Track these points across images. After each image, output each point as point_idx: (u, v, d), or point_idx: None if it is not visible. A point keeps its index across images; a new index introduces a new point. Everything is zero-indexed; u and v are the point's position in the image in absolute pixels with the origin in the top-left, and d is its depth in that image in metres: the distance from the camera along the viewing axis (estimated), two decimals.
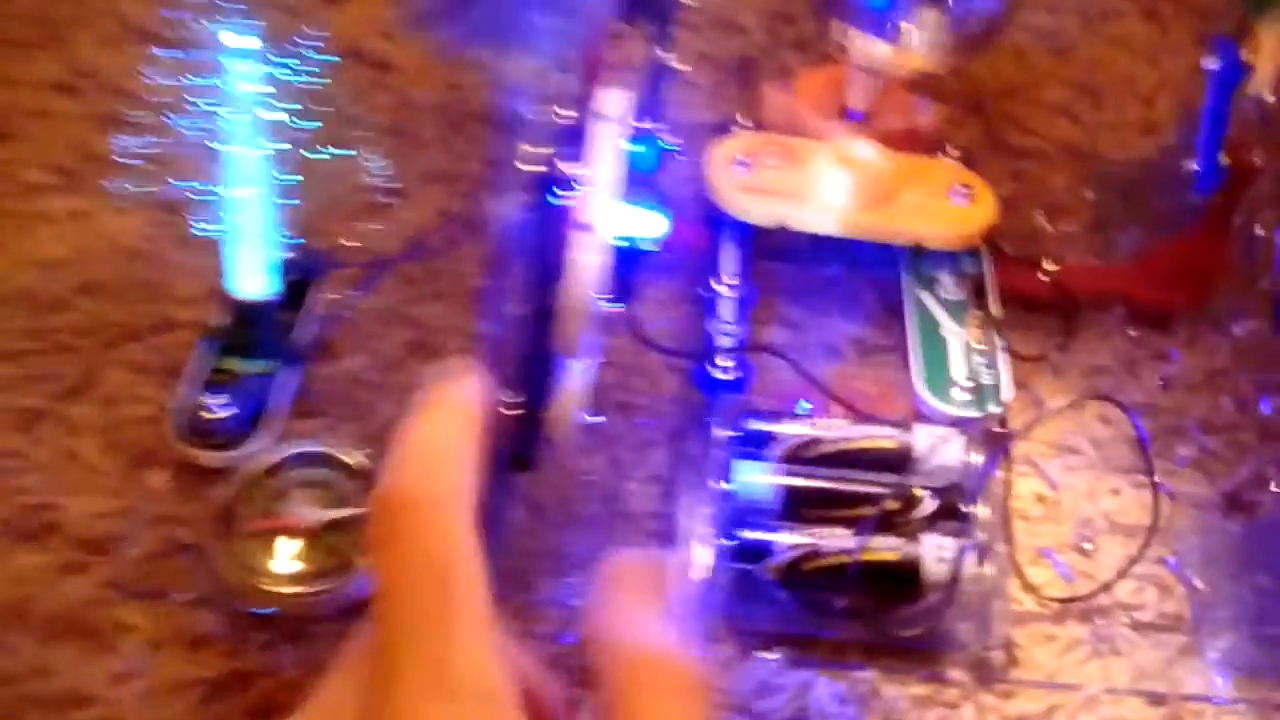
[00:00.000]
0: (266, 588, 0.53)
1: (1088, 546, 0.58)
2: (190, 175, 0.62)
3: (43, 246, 0.66)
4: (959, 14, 0.61)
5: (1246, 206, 0.64)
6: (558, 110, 0.50)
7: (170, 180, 0.64)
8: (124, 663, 0.52)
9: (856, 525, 0.53)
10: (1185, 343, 0.65)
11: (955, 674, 0.53)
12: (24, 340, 0.62)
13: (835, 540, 0.53)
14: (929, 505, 0.54)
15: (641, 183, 0.53)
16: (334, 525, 0.54)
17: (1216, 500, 0.59)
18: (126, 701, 0.51)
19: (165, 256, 0.65)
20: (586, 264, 0.45)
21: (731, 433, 0.56)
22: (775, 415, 0.57)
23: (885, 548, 0.53)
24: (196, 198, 0.58)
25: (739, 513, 0.54)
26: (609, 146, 0.48)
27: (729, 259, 0.64)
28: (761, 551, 0.53)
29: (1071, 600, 0.56)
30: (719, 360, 0.60)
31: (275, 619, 0.54)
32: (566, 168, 0.43)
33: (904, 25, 0.61)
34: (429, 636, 0.31)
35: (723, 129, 0.68)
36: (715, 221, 0.65)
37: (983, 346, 0.62)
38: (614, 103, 0.50)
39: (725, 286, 0.63)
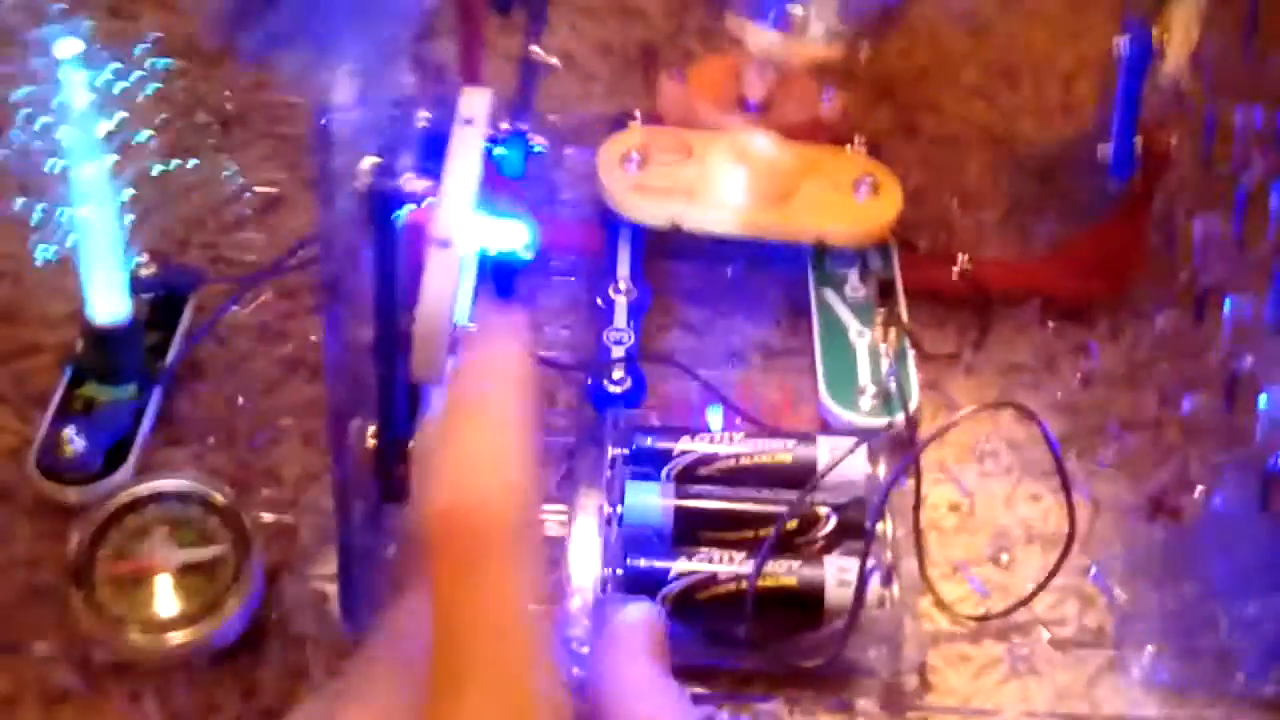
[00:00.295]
0: (126, 636, 0.49)
1: (1005, 558, 0.55)
2: (40, 192, 0.58)
3: None
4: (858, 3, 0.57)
5: (1164, 193, 0.62)
6: (420, 115, 0.47)
7: (22, 197, 0.60)
8: None
9: (754, 549, 0.50)
10: (1106, 335, 0.63)
11: (864, 703, 0.50)
12: None
13: (730, 566, 0.49)
14: (830, 523, 0.51)
15: (508, 188, 0.49)
16: (196, 566, 0.51)
17: (1140, 505, 0.57)
18: None
19: (27, 277, 0.61)
20: (441, 284, 0.42)
21: (622, 450, 0.53)
22: (671, 431, 0.54)
23: (784, 572, 0.49)
24: (47, 215, 0.54)
25: (631, 539, 0.51)
26: (467, 152, 0.45)
27: (624, 263, 0.61)
28: (655, 580, 0.49)
29: (986, 618, 0.53)
30: (612, 373, 0.56)
31: (137, 669, 0.50)
32: (411, 181, 0.39)
33: (798, 13, 0.58)
34: (504, 658, 0.31)
35: (619, 124, 0.64)
36: (609, 223, 0.62)
37: (890, 349, 0.59)
38: (473, 104, 0.46)
39: (619, 292, 0.59)
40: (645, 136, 0.62)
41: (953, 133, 0.72)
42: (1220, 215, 0.60)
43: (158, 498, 0.52)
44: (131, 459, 0.55)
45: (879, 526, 0.51)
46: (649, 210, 0.60)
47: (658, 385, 0.58)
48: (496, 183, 0.48)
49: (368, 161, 0.39)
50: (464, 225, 0.43)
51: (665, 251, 0.63)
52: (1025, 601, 0.53)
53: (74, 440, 0.53)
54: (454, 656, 0.32)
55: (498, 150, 0.49)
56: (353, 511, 0.45)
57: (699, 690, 0.50)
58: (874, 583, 0.49)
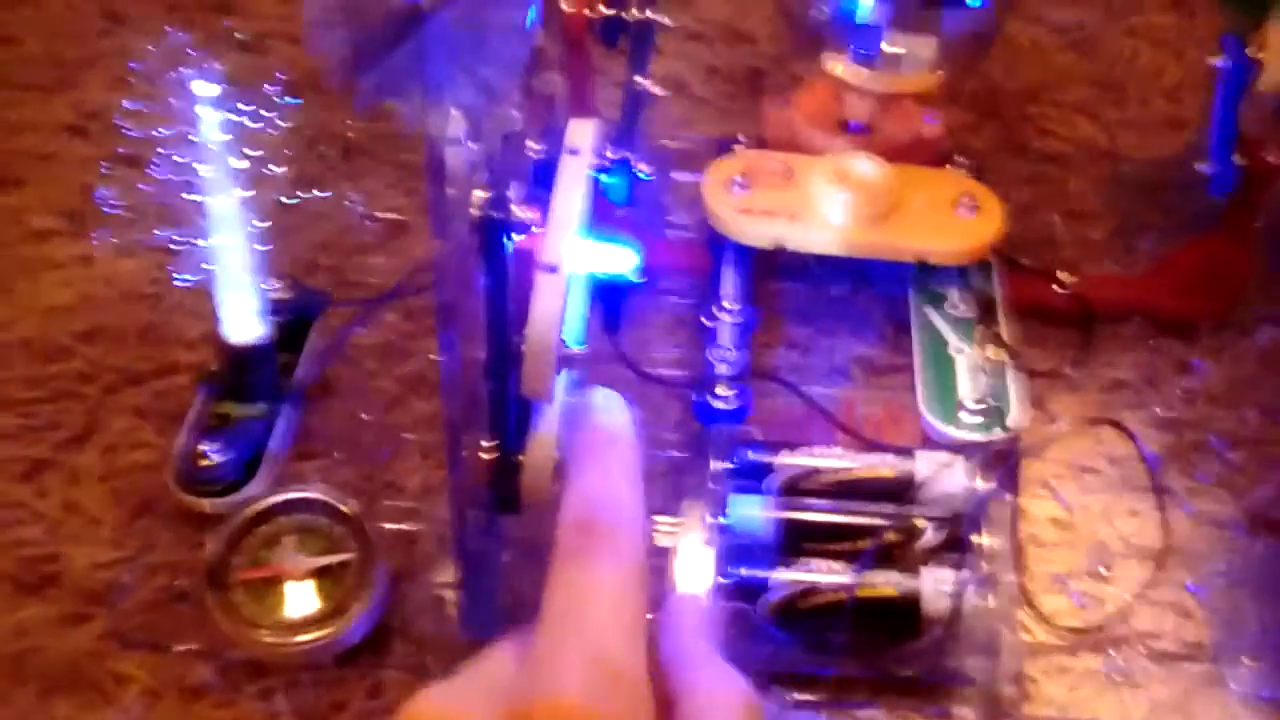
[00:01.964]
0: (258, 637, 0.52)
1: (1104, 572, 0.56)
2: (181, 221, 0.62)
3: (48, 293, 0.66)
4: (946, 31, 0.59)
5: (1269, 209, 0.62)
6: (530, 146, 0.49)
7: (165, 227, 0.64)
8: (123, 715, 0.52)
9: (855, 560, 0.51)
10: (1209, 352, 0.63)
11: (963, 711, 0.51)
12: (27, 389, 0.62)
13: (832, 576, 0.51)
14: (931, 536, 0.52)
15: (613, 214, 0.52)
16: (324, 571, 0.54)
17: (1241, 520, 0.57)
18: None
19: (168, 300, 0.65)
20: (548, 306, 0.44)
21: (728, 465, 0.55)
22: (774, 446, 0.56)
23: (884, 583, 0.51)
24: (187, 244, 0.57)
25: (735, 549, 0.53)
26: (573, 181, 0.47)
27: (729, 283, 0.63)
28: (757, 589, 0.51)
29: (1085, 630, 0.54)
30: (718, 389, 0.58)
31: (268, 668, 0.53)
32: (520, 210, 0.42)
33: (891, 50, 0.59)
34: (603, 637, 0.34)
35: (725, 148, 0.66)
36: (716, 245, 0.64)
37: (992, 365, 0.60)
38: (580, 135, 0.49)
39: (725, 312, 0.61)
40: (749, 160, 0.64)
41: (1057, 150, 0.73)
42: None
43: (288, 508, 0.55)
44: (263, 471, 0.58)
45: (976, 539, 0.52)
46: (754, 232, 0.62)
47: (762, 402, 0.60)
48: (604, 209, 0.50)
49: (480, 193, 0.41)
50: (571, 251, 0.45)
51: (771, 272, 0.65)
52: (1123, 614, 0.54)
53: (211, 454, 0.57)
54: (556, 628, 0.34)
55: (604, 178, 0.51)
56: (468, 520, 0.48)
57: (803, 696, 0.52)
58: (971, 593, 0.50)
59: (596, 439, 0.40)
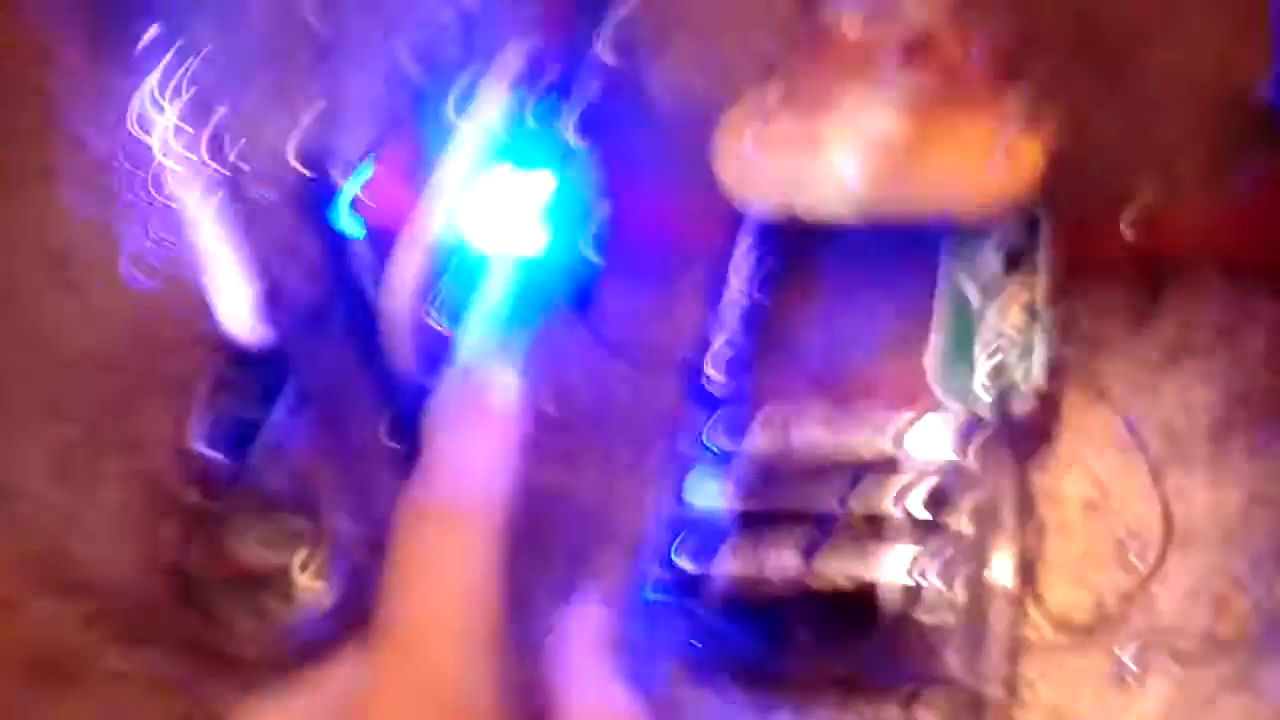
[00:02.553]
0: (233, 630, 0.52)
1: (1134, 560, 0.49)
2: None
3: (103, 303, 0.68)
4: None
5: None
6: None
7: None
8: (104, 705, 0.53)
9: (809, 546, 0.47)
10: None
11: (928, 717, 0.46)
12: (76, 396, 0.64)
13: (777, 566, 0.46)
14: (900, 519, 0.47)
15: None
16: (294, 566, 0.53)
17: None
18: None
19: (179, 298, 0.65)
20: (401, 274, 0.42)
21: (700, 447, 0.51)
22: (751, 426, 0.51)
23: (837, 572, 0.46)
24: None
25: (688, 535, 0.49)
26: (459, 150, 0.45)
27: (743, 255, 0.58)
28: (702, 579, 0.47)
29: (1096, 625, 0.47)
30: (710, 370, 0.54)
31: (243, 662, 0.53)
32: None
33: None
34: (430, 642, 0.33)
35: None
36: (731, 215, 0.59)
37: (1020, 328, 0.53)
38: (485, 97, 0.46)
39: (735, 283, 0.57)
40: (766, 119, 0.59)
41: (1161, 90, 0.65)
42: None
43: (261, 503, 0.55)
44: (262, 468, 0.58)
45: (952, 521, 0.46)
46: (764, 195, 0.57)
47: (770, 380, 0.55)
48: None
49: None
50: (441, 221, 0.43)
51: (801, 240, 0.60)
52: (1140, 603, 0.46)
53: (207, 452, 0.57)
54: (389, 632, 0.33)
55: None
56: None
57: (760, 694, 0.47)
58: (945, 582, 0.45)
59: (467, 410, 0.38)
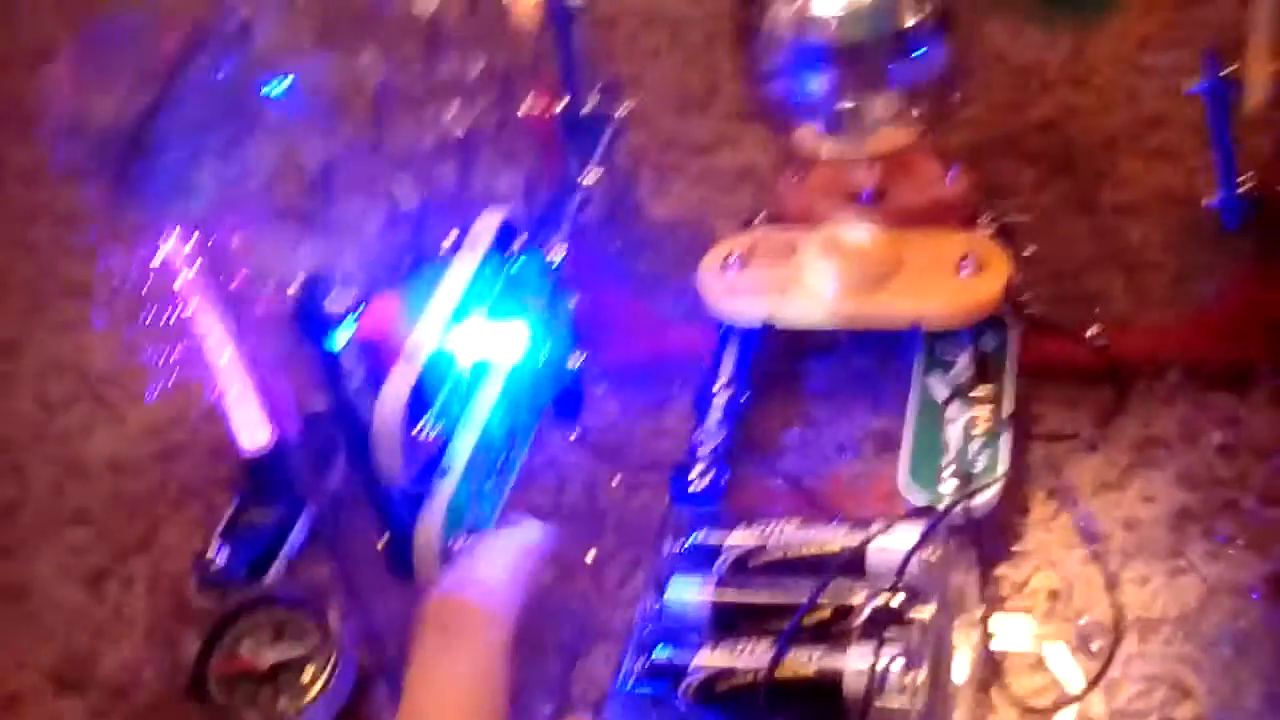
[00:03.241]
0: None
1: (1094, 646, 0.51)
2: None
3: (136, 415, 0.72)
4: (900, 85, 0.57)
5: None
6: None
7: None
8: None
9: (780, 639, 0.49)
10: (1260, 404, 0.57)
11: None
12: (104, 504, 0.68)
13: (754, 658, 0.49)
14: (867, 612, 0.49)
15: (524, 298, 0.52)
16: (292, 665, 0.56)
17: (1259, 585, 0.51)
18: None
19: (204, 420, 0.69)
20: (393, 390, 0.45)
21: (678, 546, 0.54)
22: (726, 524, 0.54)
23: (805, 662, 0.48)
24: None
25: (667, 631, 0.51)
26: (454, 274, 0.49)
27: (728, 363, 0.62)
28: (676, 672, 0.50)
29: (1055, 710, 0.49)
30: (692, 470, 0.57)
31: None
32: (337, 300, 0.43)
33: (846, 109, 0.57)
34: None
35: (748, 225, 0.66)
36: (717, 325, 0.63)
37: (984, 429, 0.56)
38: (480, 229, 0.50)
39: (718, 391, 0.60)
40: (748, 239, 0.63)
41: (1131, 200, 0.68)
42: None
43: (265, 603, 0.58)
44: (274, 571, 0.61)
45: (916, 614, 0.49)
46: (742, 310, 0.61)
47: (751, 482, 0.58)
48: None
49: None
50: (430, 337, 0.46)
51: (775, 350, 0.63)
52: (1105, 690, 0.48)
53: (218, 557, 0.60)
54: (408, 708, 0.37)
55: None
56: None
57: None
58: (898, 672, 0.47)
59: (497, 541, 0.42)
